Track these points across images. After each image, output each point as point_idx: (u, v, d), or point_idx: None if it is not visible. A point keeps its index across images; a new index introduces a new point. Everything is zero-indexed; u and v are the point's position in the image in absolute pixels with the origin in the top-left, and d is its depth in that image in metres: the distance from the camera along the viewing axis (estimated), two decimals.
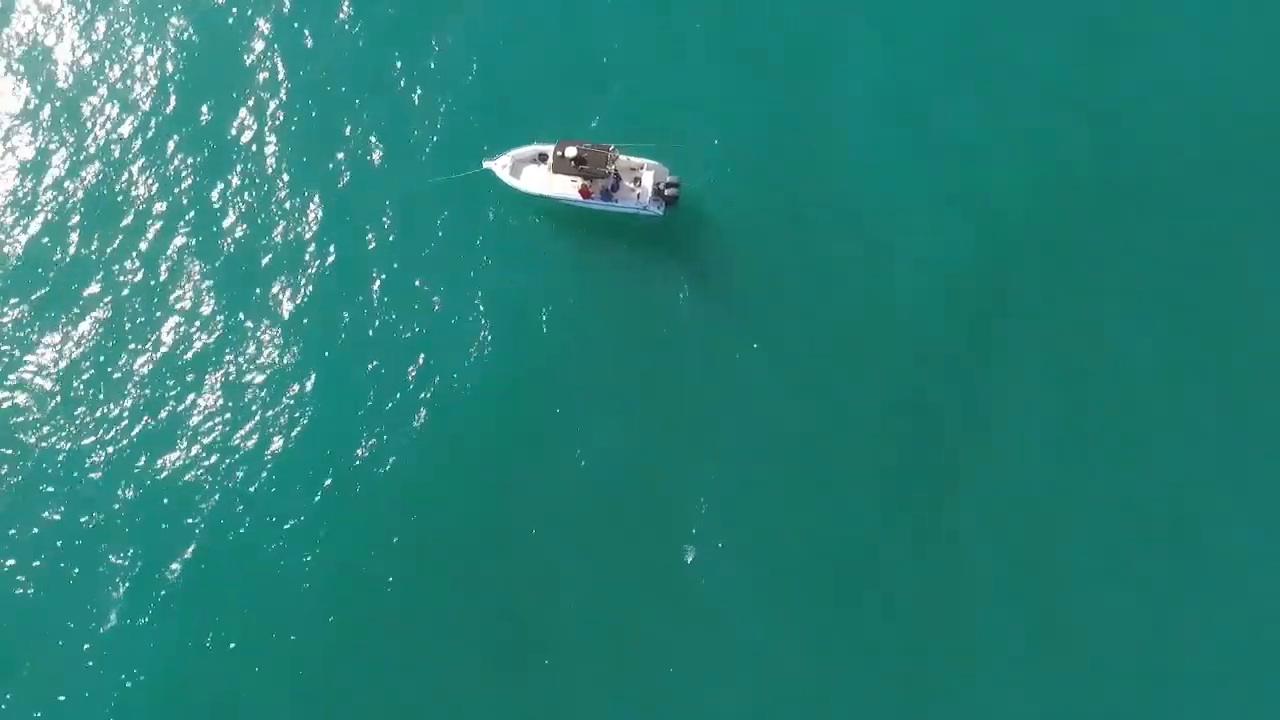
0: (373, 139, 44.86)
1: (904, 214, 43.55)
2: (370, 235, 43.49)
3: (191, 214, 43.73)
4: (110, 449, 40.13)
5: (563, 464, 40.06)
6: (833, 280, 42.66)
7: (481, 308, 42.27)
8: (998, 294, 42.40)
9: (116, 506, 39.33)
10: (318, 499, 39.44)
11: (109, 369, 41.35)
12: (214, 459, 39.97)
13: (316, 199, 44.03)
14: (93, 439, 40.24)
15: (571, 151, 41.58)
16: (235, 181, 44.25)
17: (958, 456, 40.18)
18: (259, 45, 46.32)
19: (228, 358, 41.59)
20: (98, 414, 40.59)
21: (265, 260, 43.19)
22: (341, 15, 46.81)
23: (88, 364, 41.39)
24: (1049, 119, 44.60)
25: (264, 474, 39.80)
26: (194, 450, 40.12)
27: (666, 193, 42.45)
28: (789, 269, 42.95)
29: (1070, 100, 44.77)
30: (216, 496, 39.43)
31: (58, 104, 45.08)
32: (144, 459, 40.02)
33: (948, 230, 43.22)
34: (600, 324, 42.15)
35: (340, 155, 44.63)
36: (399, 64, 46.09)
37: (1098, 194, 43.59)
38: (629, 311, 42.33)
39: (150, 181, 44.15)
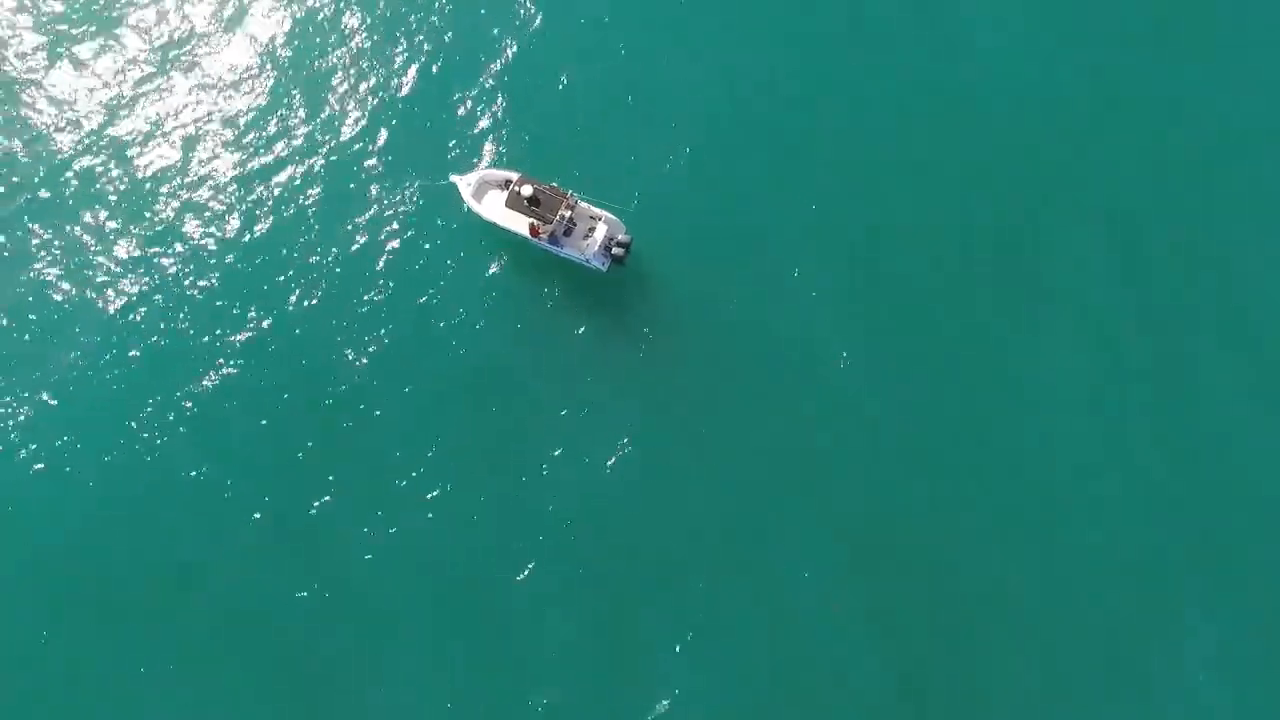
0: (351, 129, 45.76)
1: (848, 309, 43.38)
2: (316, 223, 44.49)
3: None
4: None
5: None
6: (757, 373, 42.61)
7: (408, 315, 43.00)
8: (936, 346, 42.49)
9: None
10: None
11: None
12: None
13: (266, 178, 45.14)
14: None
15: (527, 190, 41.68)
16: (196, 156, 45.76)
17: (886, 503, 40.32)
18: (261, 28, 47.62)
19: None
20: None
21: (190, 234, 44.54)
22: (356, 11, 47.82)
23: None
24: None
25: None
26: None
27: (614, 250, 42.41)
28: (723, 348, 42.89)
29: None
30: None
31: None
32: None
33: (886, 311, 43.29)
34: (520, 356, 42.59)
35: (315, 136, 45.62)
36: (418, 62, 47.05)
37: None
38: (553, 350, 42.71)
39: (110, 170, 45.71)
